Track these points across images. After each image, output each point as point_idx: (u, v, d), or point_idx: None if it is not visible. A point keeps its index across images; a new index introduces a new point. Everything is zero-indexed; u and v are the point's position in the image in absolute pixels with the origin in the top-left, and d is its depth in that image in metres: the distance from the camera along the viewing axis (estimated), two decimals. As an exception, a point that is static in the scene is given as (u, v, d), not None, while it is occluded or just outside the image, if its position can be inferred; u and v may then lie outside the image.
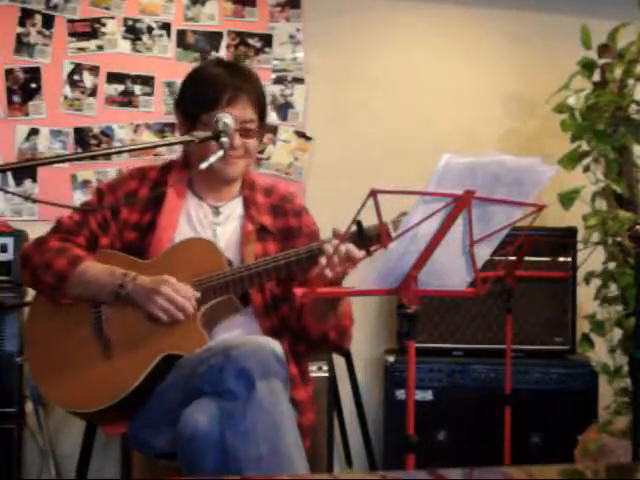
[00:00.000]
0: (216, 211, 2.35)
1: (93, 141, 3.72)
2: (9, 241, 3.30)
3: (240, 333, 2.22)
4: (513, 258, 2.92)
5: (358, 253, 2.04)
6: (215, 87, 2.25)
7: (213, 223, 2.33)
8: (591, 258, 3.30)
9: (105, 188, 2.37)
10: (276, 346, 2.03)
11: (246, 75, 2.32)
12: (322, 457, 3.21)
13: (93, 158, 3.61)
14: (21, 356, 3.19)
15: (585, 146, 3.32)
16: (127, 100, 3.77)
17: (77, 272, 2.21)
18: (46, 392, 2.26)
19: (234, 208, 2.37)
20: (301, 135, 3.85)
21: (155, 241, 2.27)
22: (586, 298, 3.38)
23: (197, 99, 2.27)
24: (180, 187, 2.35)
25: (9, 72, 3.70)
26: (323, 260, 2.05)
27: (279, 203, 2.39)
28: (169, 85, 3.78)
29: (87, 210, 2.35)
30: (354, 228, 2.06)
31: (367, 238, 2.06)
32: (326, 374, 3.23)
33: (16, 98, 3.70)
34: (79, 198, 3.64)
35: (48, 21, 3.72)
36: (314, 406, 2.35)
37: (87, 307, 2.25)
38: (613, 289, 3.25)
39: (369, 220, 1.94)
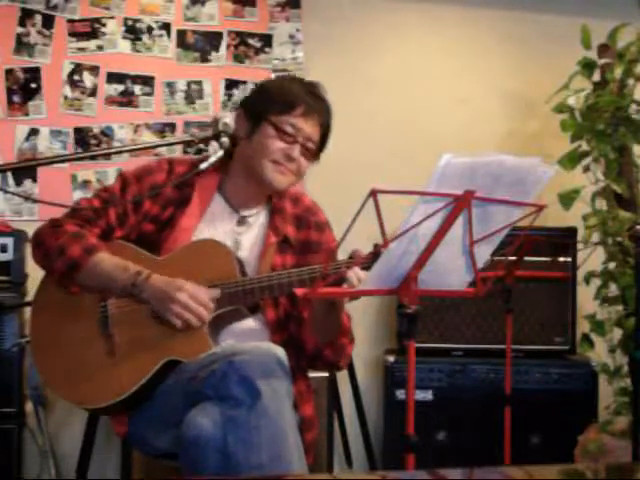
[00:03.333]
0: (242, 220, 2.32)
1: (93, 141, 3.73)
2: (9, 241, 3.29)
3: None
4: (513, 258, 2.92)
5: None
6: (295, 95, 2.25)
7: (236, 232, 2.31)
8: (591, 258, 3.30)
9: (131, 177, 2.31)
10: (279, 352, 2.02)
11: (325, 101, 2.32)
12: (322, 457, 3.21)
13: (93, 158, 3.60)
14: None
15: (585, 146, 3.32)
16: (127, 100, 3.77)
17: (90, 262, 2.17)
18: (49, 383, 2.26)
19: (259, 217, 2.35)
20: (301, 135, 3.84)
21: (171, 240, 2.25)
22: (586, 298, 3.38)
23: (272, 100, 2.25)
24: (208, 188, 2.31)
25: (9, 72, 3.70)
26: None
27: (303, 214, 2.37)
28: (169, 85, 3.78)
29: (111, 191, 2.29)
30: (371, 251, 2.06)
31: None
32: (326, 374, 3.23)
33: (16, 98, 3.70)
34: (79, 198, 3.63)
35: (48, 21, 3.72)
36: (317, 421, 2.35)
37: (93, 301, 2.23)
38: (613, 289, 3.25)
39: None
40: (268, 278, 2.14)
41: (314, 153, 2.30)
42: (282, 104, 2.23)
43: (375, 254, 2.01)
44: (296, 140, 2.24)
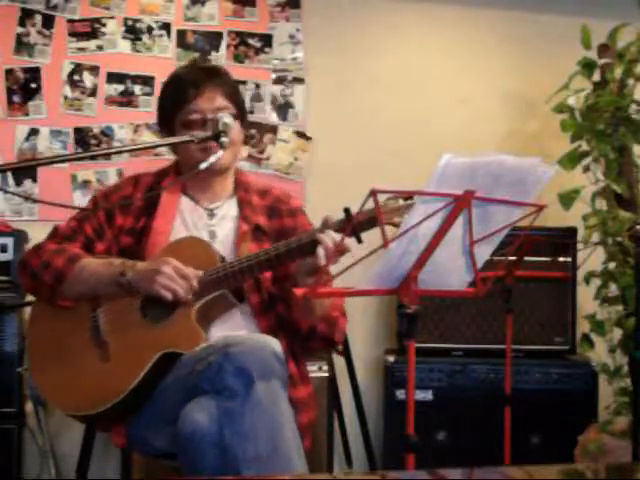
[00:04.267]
0: (211, 213, 2.38)
1: (93, 141, 3.72)
2: (9, 241, 3.30)
3: (240, 333, 2.22)
4: (513, 258, 2.92)
5: (349, 244, 2.04)
6: (179, 87, 2.35)
7: (209, 225, 2.36)
8: (591, 258, 3.30)
9: (100, 196, 2.42)
10: (276, 345, 2.03)
11: (210, 69, 2.43)
12: (322, 457, 3.21)
13: (93, 158, 3.61)
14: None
15: (585, 146, 3.32)
16: (127, 100, 3.77)
17: (76, 269, 2.23)
18: (48, 396, 2.28)
19: (228, 209, 2.39)
20: (301, 135, 3.85)
21: (150, 245, 2.30)
22: (586, 298, 3.38)
23: (168, 107, 2.37)
24: (174, 191, 2.38)
25: (9, 72, 3.70)
26: (321, 251, 2.05)
27: (274, 204, 2.41)
28: (169, 85, 3.78)
29: (84, 210, 2.38)
30: (343, 216, 2.06)
31: (356, 226, 2.05)
32: (326, 374, 3.23)
33: (16, 98, 3.70)
34: (79, 198, 3.64)
35: (48, 21, 3.72)
36: (315, 404, 2.35)
37: (84, 312, 2.27)
38: (613, 289, 3.25)
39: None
40: (247, 259, 2.17)
41: (234, 115, 2.32)
42: (175, 103, 2.34)
43: (347, 220, 2.03)
44: (205, 119, 2.30)
